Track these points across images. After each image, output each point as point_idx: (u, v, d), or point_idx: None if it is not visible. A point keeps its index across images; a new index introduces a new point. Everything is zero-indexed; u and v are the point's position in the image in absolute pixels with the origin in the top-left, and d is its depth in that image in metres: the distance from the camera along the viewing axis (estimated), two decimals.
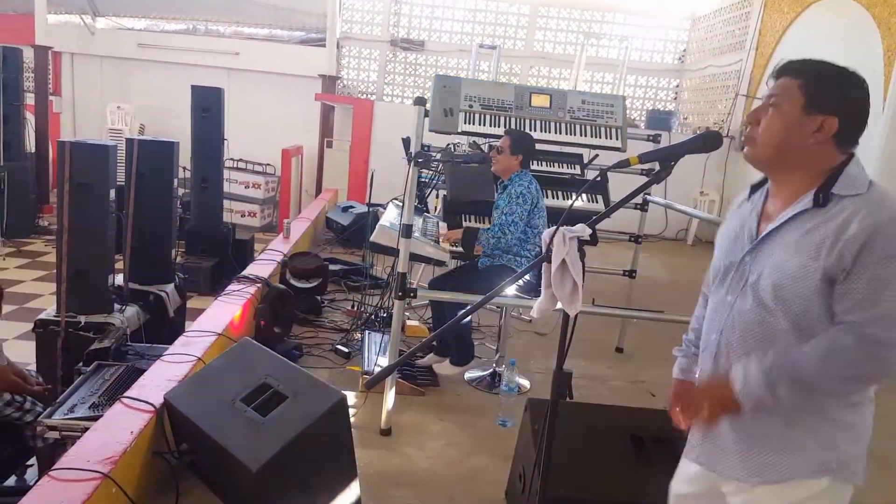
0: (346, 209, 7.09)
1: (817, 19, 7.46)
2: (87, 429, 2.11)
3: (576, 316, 1.51)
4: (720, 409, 1.30)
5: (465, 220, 3.91)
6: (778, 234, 1.30)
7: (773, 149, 1.30)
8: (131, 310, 3.59)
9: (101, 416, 2.20)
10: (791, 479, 1.29)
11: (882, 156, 5.98)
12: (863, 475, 1.30)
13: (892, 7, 6.11)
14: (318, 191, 9.54)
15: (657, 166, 1.51)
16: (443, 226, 3.76)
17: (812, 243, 1.24)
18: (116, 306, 3.49)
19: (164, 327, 3.88)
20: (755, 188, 1.43)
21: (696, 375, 1.50)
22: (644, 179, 3.44)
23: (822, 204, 1.24)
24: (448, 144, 4.39)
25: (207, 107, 5.56)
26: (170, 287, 4.05)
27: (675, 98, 10.79)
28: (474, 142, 4.44)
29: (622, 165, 1.50)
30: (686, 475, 1.50)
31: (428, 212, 4.29)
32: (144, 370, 2.56)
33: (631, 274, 4.18)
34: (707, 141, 1.48)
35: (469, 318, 3.55)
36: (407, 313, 4.37)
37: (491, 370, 3.64)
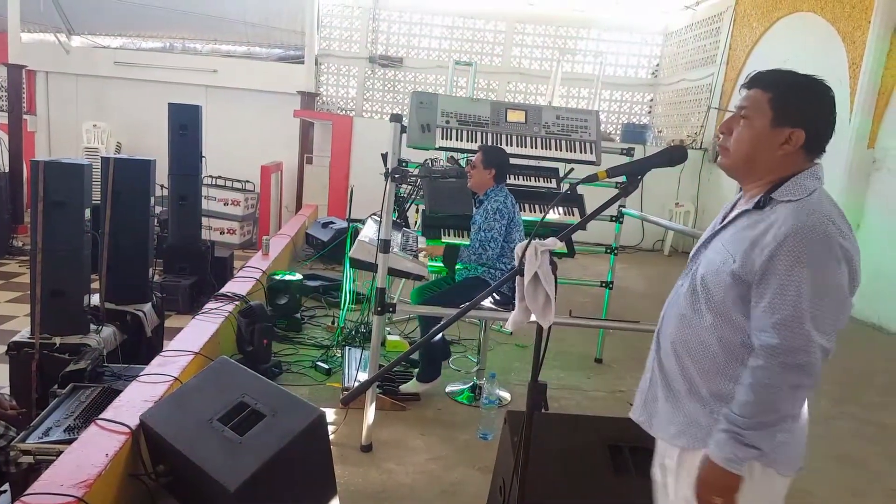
0: (325, 225, 7.08)
1: (785, 34, 7.70)
2: (61, 452, 2.07)
3: (550, 328, 1.54)
4: (723, 491, 1.29)
5: (444, 234, 3.94)
6: (723, 230, 1.40)
7: (744, 160, 1.36)
8: (108, 330, 3.54)
9: (77, 439, 2.17)
10: (702, 449, 1.35)
11: (849, 164, 6.17)
12: (790, 466, 1.34)
13: (855, 22, 6.33)
14: (298, 207, 9.52)
15: (626, 180, 1.56)
16: (422, 240, 3.78)
17: (735, 242, 1.33)
18: (92, 327, 3.45)
19: (141, 347, 3.83)
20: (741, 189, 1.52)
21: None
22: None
23: (761, 207, 1.32)
24: (426, 160, 4.43)
25: (185, 124, 5.54)
26: (147, 306, 4.00)
27: (650, 112, 11.00)
28: (452, 157, 4.49)
29: (591, 180, 1.55)
30: (656, 456, 1.57)
31: (407, 226, 4.31)
32: (121, 391, 2.53)
33: (608, 285, 4.24)
34: (672, 155, 1.53)
35: (441, 334, 3.55)
36: (388, 328, 4.37)
37: (471, 383, 3.65)
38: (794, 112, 1.30)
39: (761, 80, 1.34)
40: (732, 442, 1.26)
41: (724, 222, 1.41)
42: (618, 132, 10.27)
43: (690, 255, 1.50)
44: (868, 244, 6.14)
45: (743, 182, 1.42)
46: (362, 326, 4.13)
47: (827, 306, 1.23)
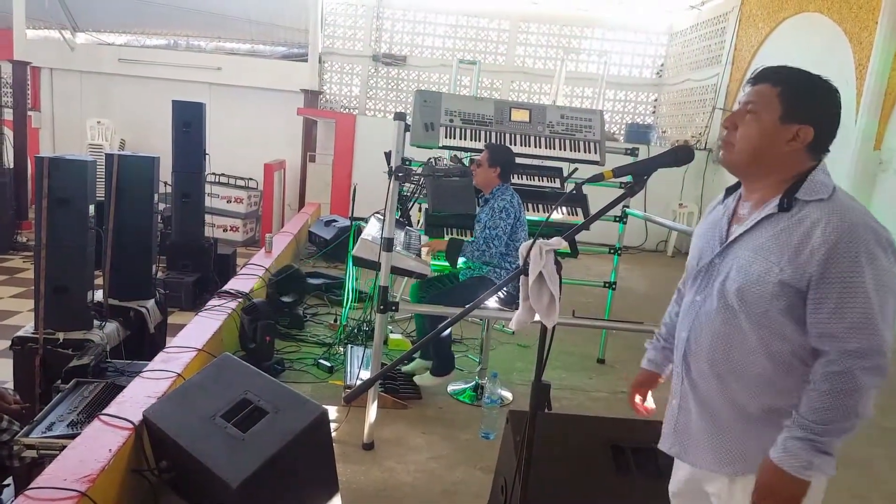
0: (328, 223, 7.09)
1: (791, 34, 7.67)
2: (64, 447, 2.08)
3: (553, 328, 1.53)
4: (790, 499, 1.27)
5: (447, 233, 3.94)
6: (745, 237, 1.33)
7: (750, 155, 1.33)
8: (111, 326, 3.55)
9: (80, 434, 2.18)
10: (753, 474, 1.31)
11: (854, 165, 6.15)
12: (834, 465, 1.32)
13: (862, 23, 6.31)
14: (301, 205, 9.53)
15: (632, 180, 1.55)
16: (425, 239, 3.78)
17: (775, 249, 1.27)
18: (96, 322, 3.46)
19: (144, 343, 3.84)
20: (730, 191, 1.47)
21: (669, 371, 1.58)
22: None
23: (787, 208, 1.28)
24: (429, 158, 4.42)
25: (189, 121, 5.55)
26: (150, 303, 4.01)
27: (654, 112, 10.97)
28: (455, 156, 4.48)
29: (597, 179, 1.54)
30: (676, 474, 1.54)
31: (410, 225, 4.30)
32: (124, 387, 2.54)
33: (611, 285, 4.23)
34: (679, 155, 1.52)
35: (449, 330, 3.57)
36: (390, 327, 4.37)
37: (474, 382, 3.65)
38: (804, 108, 1.28)
39: (770, 76, 1.32)
40: (808, 449, 1.22)
41: (739, 230, 1.34)
42: (622, 132, 10.25)
43: (698, 266, 1.44)
44: None
45: (745, 178, 1.39)
46: (364, 324, 4.13)
47: (889, 302, 1.21)
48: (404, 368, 3.61)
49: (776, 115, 1.28)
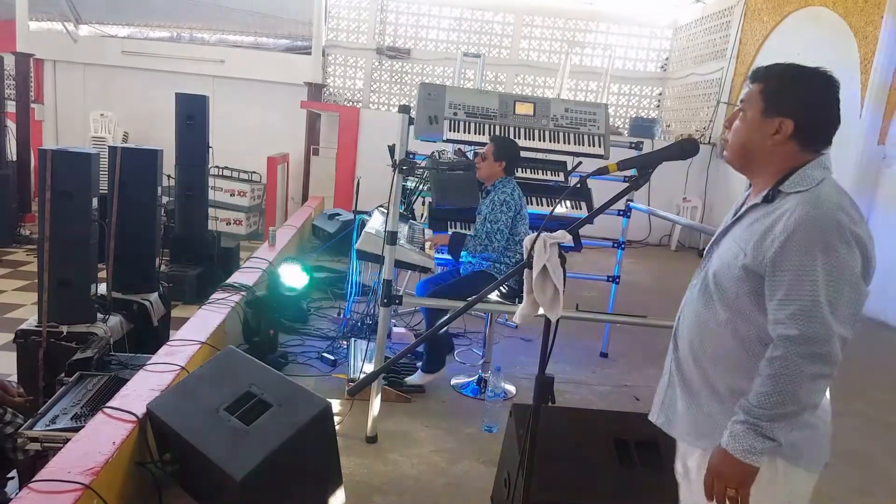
0: (332, 217, 7.08)
1: (796, 28, 7.61)
2: (68, 440, 2.08)
3: (557, 321, 1.53)
4: (737, 483, 1.27)
5: (451, 227, 3.93)
6: (733, 227, 1.40)
7: (739, 152, 1.38)
8: (114, 319, 3.56)
9: (84, 427, 2.18)
10: None
11: (859, 159, 6.11)
12: (816, 461, 1.34)
13: (867, 17, 6.26)
14: (305, 198, 9.52)
15: (636, 173, 1.54)
16: (428, 232, 3.77)
17: (747, 236, 1.32)
18: (99, 316, 3.46)
19: (148, 336, 3.84)
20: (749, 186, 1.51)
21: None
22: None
23: (770, 200, 1.31)
24: (433, 152, 4.41)
25: (192, 114, 5.54)
26: (154, 296, 4.01)
27: (658, 106, 10.92)
28: (459, 149, 4.47)
29: (601, 173, 1.54)
30: (678, 454, 1.56)
31: (414, 219, 4.30)
32: (128, 380, 2.54)
33: (615, 279, 4.22)
34: (684, 148, 1.52)
35: (446, 327, 3.55)
36: (393, 320, 4.37)
37: (477, 376, 3.65)
38: (784, 101, 1.31)
39: (757, 74, 1.36)
40: (751, 433, 1.24)
41: (734, 218, 1.41)
42: (626, 126, 10.22)
43: (704, 253, 1.49)
44: (877, 240, 6.06)
45: (746, 174, 1.43)
46: (368, 318, 4.13)
47: (843, 294, 1.22)
48: (407, 380, 3.53)
49: (759, 110, 1.33)
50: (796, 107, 1.30)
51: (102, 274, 3.69)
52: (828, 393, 1.38)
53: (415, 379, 3.47)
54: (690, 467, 1.46)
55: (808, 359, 1.21)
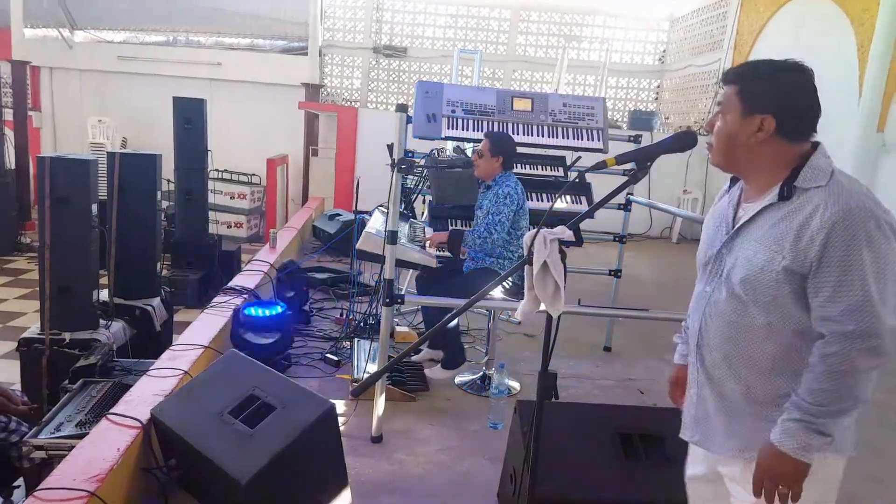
0: (332, 217, 7.08)
1: (792, 17, 7.58)
2: (73, 447, 2.09)
3: (559, 317, 1.52)
4: (791, 480, 1.27)
5: (452, 224, 3.93)
6: (749, 227, 1.36)
7: (724, 153, 1.38)
8: (117, 325, 3.56)
9: (88, 433, 2.18)
10: None
11: (858, 146, 6.09)
12: (846, 447, 1.34)
13: (864, 3, 6.23)
14: (305, 199, 9.53)
15: (635, 167, 1.54)
16: (429, 231, 3.77)
17: (776, 237, 1.29)
18: (102, 322, 3.46)
19: (151, 342, 3.85)
20: (734, 180, 1.49)
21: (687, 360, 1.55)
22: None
23: (787, 197, 1.30)
24: (432, 150, 4.40)
25: (190, 118, 5.54)
26: (156, 301, 4.02)
27: (657, 98, 10.90)
28: (458, 146, 4.46)
29: (600, 167, 1.53)
30: (693, 456, 1.55)
31: (415, 217, 4.29)
32: (131, 386, 2.54)
33: (616, 273, 4.21)
34: (682, 141, 1.51)
35: (456, 322, 3.56)
36: (396, 319, 4.37)
37: (481, 373, 3.65)
38: (761, 99, 1.32)
39: (730, 76, 1.37)
40: (805, 430, 1.24)
41: (742, 220, 1.37)
42: (625, 119, 10.19)
43: (706, 257, 1.45)
44: None
45: (739, 175, 1.43)
46: (371, 318, 4.13)
47: (889, 285, 1.22)
48: (414, 357, 3.62)
49: (738, 111, 1.34)
50: (774, 102, 1.31)
51: (104, 280, 3.69)
52: None
53: (436, 375, 3.53)
54: (725, 474, 1.43)
55: (865, 353, 1.21)
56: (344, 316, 4.48)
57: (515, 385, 3.59)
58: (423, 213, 4.76)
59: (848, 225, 1.21)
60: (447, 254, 3.53)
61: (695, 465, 1.53)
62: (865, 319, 1.21)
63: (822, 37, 6.74)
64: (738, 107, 1.34)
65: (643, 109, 10.33)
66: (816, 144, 1.34)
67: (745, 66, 1.38)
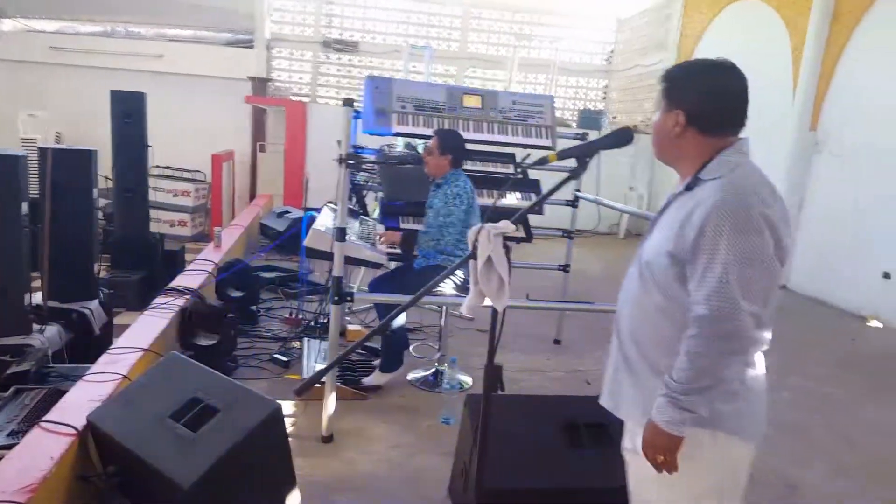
0: (281, 215, 6.94)
1: (733, 19, 7.89)
2: (2, 458, 1.98)
3: (505, 311, 1.54)
4: (665, 451, 1.37)
5: (403, 221, 3.91)
6: (662, 214, 1.49)
7: (657, 147, 1.50)
8: (52, 329, 3.39)
9: (19, 443, 2.08)
10: None
11: (792, 145, 6.40)
12: (751, 432, 1.42)
13: (798, 8, 6.53)
14: (252, 197, 9.30)
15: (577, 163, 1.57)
16: (380, 228, 3.74)
17: (670, 223, 1.40)
18: (36, 326, 3.29)
19: (89, 346, 3.68)
20: None
21: None
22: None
23: (691, 188, 1.40)
24: (382, 146, 4.37)
25: (129, 112, 5.30)
26: (94, 303, 3.84)
27: (605, 98, 11.14)
28: (409, 143, 4.44)
29: (542, 163, 1.57)
30: (625, 431, 1.61)
31: (366, 214, 4.25)
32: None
33: (565, 268, 4.29)
34: (619, 137, 1.57)
35: (402, 325, 3.53)
36: (348, 318, 4.33)
37: (433, 369, 3.65)
38: (676, 95, 1.43)
39: (663, 75, 1.48)
40: (671, 406, 1.33)
41: (662, 208, 1.49)
42: (574, 118, 10.37)
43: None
44: (810, 223, 6.39)
45: (671, 166, 1.52)
46: (321, 317, 4.07)
47: (752, 274, 1.29)
48: (364, 381, 3.49)
49: (663, 107, 1.46)
50: (686, 97, 1.41)
51: (37, 282, 3.52)
52: (762, 366, 1.44)
53: (371, 380, 3.44)
54: (638, 444, 1.50)
55: (717, 337, 1.30)
56: (293, 315, 4.41)
57: (468, 380, 3.61)
58: (374, 210, 4.73)
59: (720, 214, 1.29)
60: (398, 250, 3.51)
61: (625, 439, 1.62)
62: (719, 305, 1.29)
63: (760, 40, 7.04)
64: (663, 103, 1.45)
65: (592, 108, 10.55)
66: (738, 140, 1.41)
67: (674, 66, 1.49)
